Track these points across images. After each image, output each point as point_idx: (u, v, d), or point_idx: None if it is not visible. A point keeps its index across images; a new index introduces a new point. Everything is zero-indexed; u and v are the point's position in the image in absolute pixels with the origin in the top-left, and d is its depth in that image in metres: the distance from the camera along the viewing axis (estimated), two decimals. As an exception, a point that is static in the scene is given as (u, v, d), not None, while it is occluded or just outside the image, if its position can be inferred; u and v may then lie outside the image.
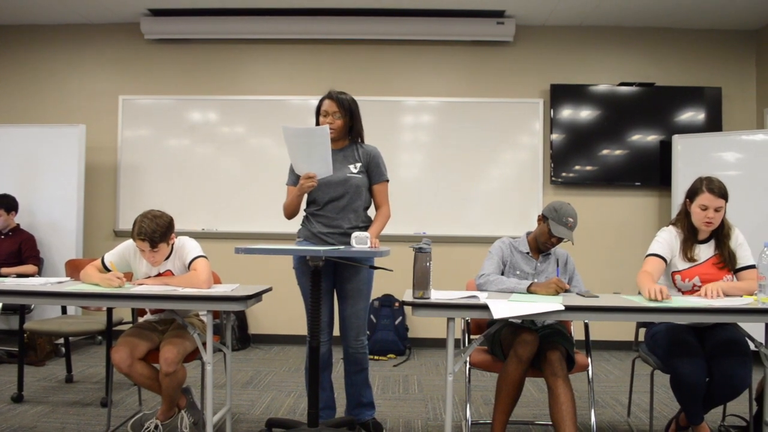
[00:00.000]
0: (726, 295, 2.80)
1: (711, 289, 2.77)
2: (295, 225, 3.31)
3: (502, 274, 3.13)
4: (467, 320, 3.22)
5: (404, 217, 5.25)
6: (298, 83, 5.87)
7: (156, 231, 2.91)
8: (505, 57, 5.84)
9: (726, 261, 2.95)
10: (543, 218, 3.11)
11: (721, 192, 2.91)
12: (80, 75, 5.98)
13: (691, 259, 2.97)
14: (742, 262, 2.98)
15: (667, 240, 3.03)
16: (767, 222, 4.81)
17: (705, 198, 2.91)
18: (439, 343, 5.37)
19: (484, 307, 2.57)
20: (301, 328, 3.18)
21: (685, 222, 3.03)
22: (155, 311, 3.23)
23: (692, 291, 2.94)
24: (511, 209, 5.68)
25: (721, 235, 2.98)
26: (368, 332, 4.47)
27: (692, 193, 2.99)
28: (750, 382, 2.75)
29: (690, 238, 3.00)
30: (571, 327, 3.29)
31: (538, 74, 5.82)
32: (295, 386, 4.31)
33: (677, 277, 2.99)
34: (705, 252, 3.00)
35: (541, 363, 2.85)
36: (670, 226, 3.10)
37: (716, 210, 2.91)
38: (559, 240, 3.06)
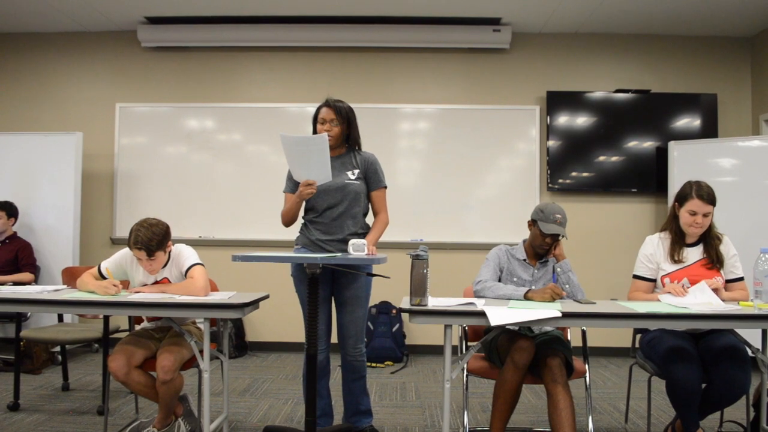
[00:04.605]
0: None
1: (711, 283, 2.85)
2: (292, 232, 3.32)
3: (499, 280, 3.13)
4: (464, 327, 3.22)
5: (401, 224, 5.24)
6: (294, 91, 5.88)
7: (152, 240, 2.91)
8: (501, 64, 5.86)
9: (714, 261, 3.00)
10: (532, 222, 3.13)
11: (710, 198, 2.96)
12: (77, 83, 5.98)
13: (678, 261, 3.01)
14: (732, 274, 3.03)
15: (649, 255, 3.10)
16: (763, 228, 4.83)
17: (694, 204, 2.96)
18: (437, 350, 5.37)
19: (482, 314, 2.58)
20: (298, 335, 3.18)
21: (673, 225, 3.07)
22: (152, 319, 3.23)
23: None
24: (507, 216, 5.69)
25: (708, 237, 3.03)
26: (366, 339, 4.47)
27: (681, 198, 3.03)
28: (749, 387, 2.76)
29: (678, 240, 3.05)
30: (568, 333, 3.29)
31: (534, 81, 5.84)
32: (293, 394, 4.30)
33: (666, 279, 3.02)
34: (693, 254, 3.04)
35: (541, 369, 2.85)
36: (655, 234, 3.15)
37: (704, 215, 2.96)
38: (554, 239, 3.07)
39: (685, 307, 2.68)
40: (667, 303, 2.83)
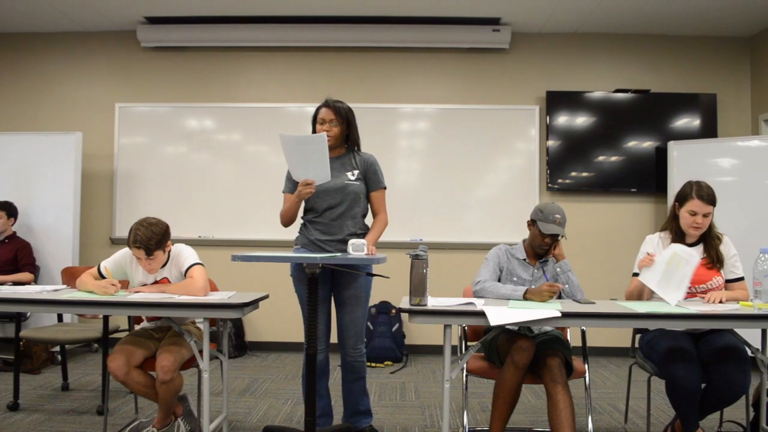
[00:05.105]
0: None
1: (715, 297, 2.82)
2: (292, 232, 3.32)
3: (499, 280, 3.13)
4: (464, 327, 3.22)
5: (401, 224, 5.25)
6: (294, 91, 5.88)
7: (151, 239, 2.91)
8: (501, 64, 5.86)
9: (714, 261, 3.00)
10: (532, 222, 3.13)
11: (710, 198, 2.96)
12: (77, 83, 5.98)
13: None
14: (733, 274, 3.02)
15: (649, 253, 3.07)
16: (762, 228, 4.83)
17: (694, 204, 2.95)
18: (436, 350, 5.36)
19: (481, 314, 2.58)
20: (298, 335, 3.17)
21: (673, 225, 3.07)
22: (151, 319, 3.23)
23: (686, 294, 2.95)
24: (507, 216, 5.69)
25: (709, 237, 3.03)
26: (365, 339, 4.47)
27: (682, 198, 3.03)
28: (749, 387, 2.76)
29: (678, 240, 3.05)
30: (568, 333, 3.29)
31: (534, 81, 5.84)
32: (292, 393, 4.30)
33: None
34: None
35: (540, 369, 2.85)
36: (655, 234, 3.15)
37: (704, 216, 2.96)
38: (554, 239, 3.07)
39: (684, 307, 2.69)
40: (648, 279, 2.87)
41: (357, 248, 2.86)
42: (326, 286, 3.17)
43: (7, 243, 4.87)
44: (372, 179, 3.24)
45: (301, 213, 3.23)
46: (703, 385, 2.75)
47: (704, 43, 5.84)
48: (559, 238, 3.09)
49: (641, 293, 3.03)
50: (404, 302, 2.70)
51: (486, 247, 3.45)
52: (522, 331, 2.99)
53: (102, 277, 3.07)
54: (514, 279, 3.13)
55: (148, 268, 3.01)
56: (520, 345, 2.81)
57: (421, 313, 2.62)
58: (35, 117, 5.93)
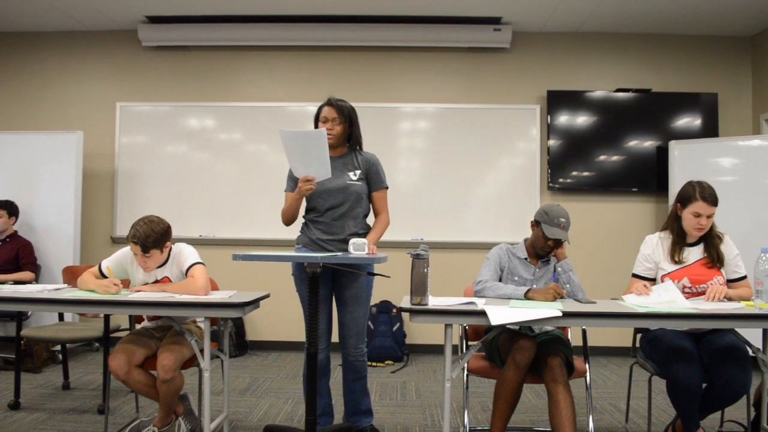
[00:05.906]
0: (728, 298, 2.84)
1: (714, 292, 2.81)
2: (293, 231, 3.32)
3: (500, 280, 3.13)
4: (465, 326, 3.22)
5: (402, 223, 5.24)
6: (295, 90, 5.89)
7: (149, 236, 2.91)
8: (502, 63, 5.86)
9: (714, 261, 2.99)
10: (536, 223, 3.12)
11: (714, 199, 2.96)
12: (78, 82, 5.98)
13: (679, 262, 3.00)
14: (735, 273, 3.02)
15: (648, 254, 3.09)
16: (763, 227, 4.83)
17: (699, 206, 2.94)
18: (437, 350, 5.37)
19: (482, 314, 2.58)
20: (299, 334, 3.18)
21: (674, 225, 3.06)
22: (152, 318, 3.23)
23: (686, 294, 2.95)
24: (508, 215, 5.69)
25: (709, 236, 3.02)
26: (366, 339, 4.47)
27: (685, 200, 3.01)
28: (750, 387, 2.76)
29: (679, 241, 3.04)
30: (569, 333, 3.29)
31: (535, 80, 5.84)
32: (293, 393, 4.30)
33: (666, 279, 3.01)
34: (694, 254, 3.03)
35: (541, 369, 2.84)
36: (655, 234, 3.14)
37: (708, 217, 2.96)
38: (556, 242, 3.06)
39: (648, 305, 2.71)
40: (630, 302, 2.83)
41: (358, 248, 2.85)
42: (327, 285, 3.17)
43: (8, 242, 4.87)
44: (374, 179, 3.23)
45: (302, 212, 3.23)
46: (704, 385, 2.75)
47: (705, 43, 5.84)
48: (563, 242, 3.08)
49: None
50: (405, 302, 2.70)
51: (487, 246, 3.44)
52: (523, 331, 2.99)
53: (103, 276, 3.07)
54: (516, 278, 3.13)
55: (144, 265, 3.02)
56: (521, 344, 2.81)
57: (422, 312, 2.62)
58: (36, 116, 5.94)
